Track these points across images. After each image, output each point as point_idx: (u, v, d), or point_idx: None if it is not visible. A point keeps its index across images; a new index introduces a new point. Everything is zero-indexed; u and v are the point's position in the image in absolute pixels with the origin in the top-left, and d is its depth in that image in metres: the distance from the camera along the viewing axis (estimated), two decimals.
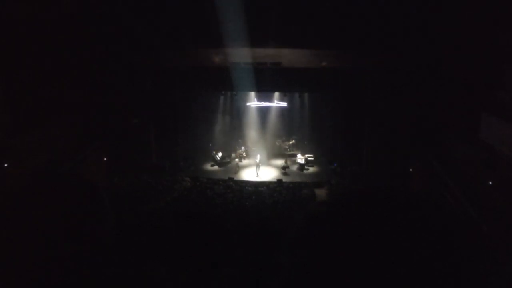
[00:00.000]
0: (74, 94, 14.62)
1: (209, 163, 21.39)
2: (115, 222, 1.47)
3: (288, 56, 16.78)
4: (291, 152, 22.71)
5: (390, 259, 1.08)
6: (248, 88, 20.15)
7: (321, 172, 20.37)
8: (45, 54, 13.02)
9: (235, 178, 18.87)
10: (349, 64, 17.04)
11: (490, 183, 12.29)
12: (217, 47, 15.96)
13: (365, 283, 1.08)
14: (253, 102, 23.70)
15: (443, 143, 15.34)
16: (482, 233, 10.71)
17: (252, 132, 23.91)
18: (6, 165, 12.15)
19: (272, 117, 24.21)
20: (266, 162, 21.35)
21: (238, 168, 20.50)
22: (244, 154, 21.96)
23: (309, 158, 20.97)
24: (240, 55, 16.23)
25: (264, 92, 22.54)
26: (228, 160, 21.60)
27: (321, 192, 16.92)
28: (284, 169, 20.23)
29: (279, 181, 18.23)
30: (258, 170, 19.65)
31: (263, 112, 24.05)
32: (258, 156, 20.19)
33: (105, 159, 17.19)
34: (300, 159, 20.80)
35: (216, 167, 20.98)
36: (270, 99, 23.67)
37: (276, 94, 23.41)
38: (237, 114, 24.22)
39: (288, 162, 20.73)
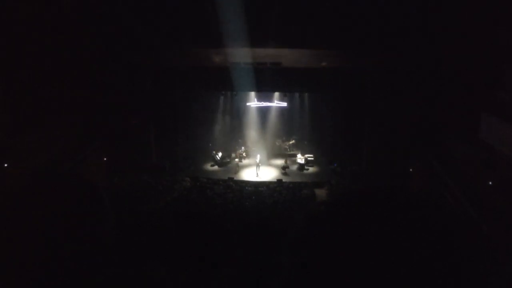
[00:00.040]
0: (74, 94, 14.62)
1: (209, 163, 21.39)
2: (115, 222, 1.47)
3: (288, 56, 16.77)
4: (291, 152, 22.72)
5: (390, 259, 1.08)
6: (248, 88, 20.14)
7: (321, 172, 20.37)
8: (45, 54, 13.01)
9: (235, 178, 18.87)
10: (349, 64, 17.04)
11: (490, 183, 12.30)
12: (217, 47, 15.96)
13: (365, 283, 1.08)
14: (253, 102, 23.70)
15: (443, 143, 15.34)
16: (482, 233, 10.71)
17: (252, 132, 23.91)
18: (6, 165, 12.16)
19: (272, 117, 24.21)
20: (266, 162, 21.35)
21: (238, 168, 20.50)
22: (244, 154, 21.97)
23: (309, 158, 20.97)
24: (240, 55, 16.22)
25: (264, 92, 22.54)
26: (228, 160, 21.60)
27: (321, 192, 16.92)
28: (284, 169, 20.23)
29: (279, 181, 18.24)
30: (258, 170, 19.65)
31: (263, 112, 24.05)
32: (258, 156, 20.19)
33: (105, 159, 17.19)
34: (300, 159, 20.80)
35: (216, 167, 20.98)
36: (270, 99, 23.67)
37: (276, 94, 23.41)
38: (237, 114, 24.23)
39: (288, 162, 20.73)
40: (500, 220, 10.58)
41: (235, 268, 2.25)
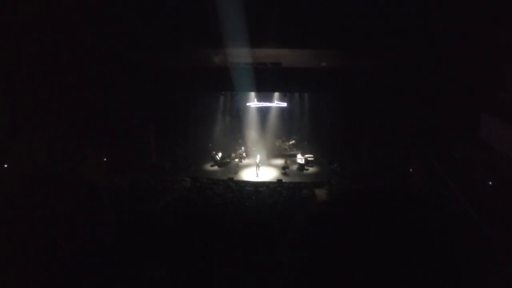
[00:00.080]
0: (74, 94, 14.62)
1: (209, 163, 21.39)
2: (115, 222, 1.47)
3: (288, 56, 16.77)
4: (291, 152, 22.71)
5: (390, 259, 1.08)
6: (248, 88, 20.13)
7: (321, 172, 20.36)
8: (45, 54, 13.02)
9: (235, 178, 18.87)
10: (349, 64, 17.04)
11: (490, 183, 12.30)
12: (217, 47, 15.97)
13: (365, 283, 1.08)
14: (253, 102, 23.70)
15: (443, 143, 15.34)
16: (482, 233, 10.71)
17: (252, 132, 23.89)
18: (6, 165, 12.15)
19: (272, 117, 24.19)
20: (266, 162, 21.34)
21: (238, 168, 20.50)
22: (244, 154, 21.96)
23: (309, 158, 20.96)
24: (240, 55, 16.23)
25: (264, 92, 22.53)
26: (228, 160, 21.59)
27: (321, 192, 16.92)
28: (284, 169, 20.22)
29: (279, 181, 18.23)
30: (258, 170, 19.64)
31: (263, 112, 24.04)
32: (258, 156, 20.18)
33: (105, 159, 17.18)
34: (300, 159, 20.79)
35: (216, 167, 20.97)
36: (270, 99, 23.66)
37: (276, 94, 23.40)
38: (237, 114, 24.21)
39: (288, 162, 20.73)
40: (500, 220, 10.58)
41: (235, 268, 2.25)
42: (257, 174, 19.51)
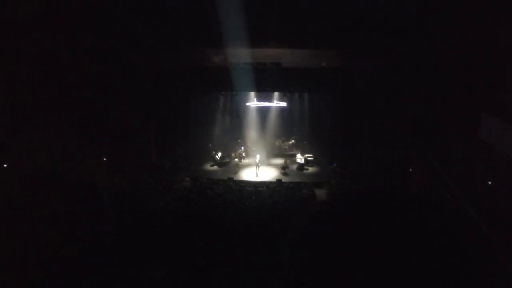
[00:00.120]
0: (74, 94, 14.62)
1: (209, 163, 21.39)
2: (115, 222, 1.47)
3: (288, 56, 16.78)
4: (291, 152, 22.71)
5: (390, 259, 1.08)
6: (248, 88, 20.14)
7: (321, 172, 20.36)
8: (45, 54, 13.02)
9: (234, 178, 18.87)
10: (349, 64, 17.04)
11: (490, 183, 12.30)
12: (217, 47, 15.97)
13: (365, 283, 1.08)
14: (253, 102, 23.71)
15: (443, 143, 15.34)
16: (482, 233, 10.71)
17: (251, 132, 23.90)
18: (5, 165, 12.16)
19: (272, 117, 24.21)
20: (266, 162, 21.33)
21: (237, 168, 20.50)
22: (243, 154, 21.96)
23: (308, 158, 20.96)
24: (240, 55, 16.23)
25: (264, 92, 22.55)
26: (228, 160, 21.58)
27: (321, 192, 16.92)
28: (283, 169, 20.22)
29: (278, 181, 18.23)
30: (258, 170, 19.64)
31: (263, 112, 24.05)
32: (258, 156, 20.18)
33: (104, 159, 17.18)
34: (300, 159, 20.79)
35: (215, 167, 20.97)
36: (269, 99, 23.68)
37: (276, 94, 23.41)
38: (237, 114, 24.22)
39: (288, 162, 20.73)
40: (500, 220, 10.59)
41: (235, 268, 2.25)
42: (256, 174, 19.51)
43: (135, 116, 18.33)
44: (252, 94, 23.34)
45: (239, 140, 23.42)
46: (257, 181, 18.84)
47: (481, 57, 12.11)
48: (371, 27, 14.20)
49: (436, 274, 1.09)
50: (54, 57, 13.33)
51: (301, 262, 1.23)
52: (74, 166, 14.38)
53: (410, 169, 16.88)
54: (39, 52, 12.78)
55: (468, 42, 12.56)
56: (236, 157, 21.69)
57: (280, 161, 21.34)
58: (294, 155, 21.72)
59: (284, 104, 23.62)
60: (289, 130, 24.42)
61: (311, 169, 20.78)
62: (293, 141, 23.65)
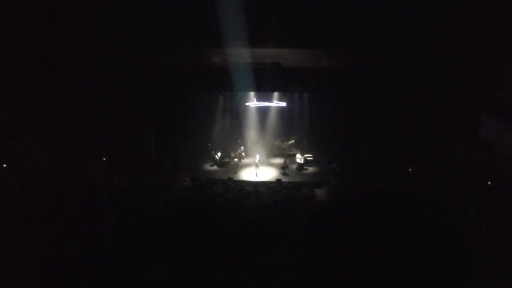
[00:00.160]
0: (74, 94, 14.62)
1: (208, 163, 21.39)
2: (115, 222, 1.47)
3: (287, 56, 16.77)
4: (290, 152, 22.70)
5: (390, 259, 1.08)
6: (248, 88, 20.14)
7: (321, 172, 20.36)
8: (45, 54, 13.02)
9: (234, 178, 18.87)
10: (349, 64, 17.04)
11: (489, 183, 12.31)
12: (217, 47, 15.97)
13: (365, 283, 1.08)
14: (253, 102, 23.70)
15: (443, 143, 15.34)
16: (482, 233, 10.71)
17: (251, 132, 23.89)
18: (5, 165, 12.16)
19: (272, 117, 24.19)
20: (265, 162, 21.33)
21: (237, 168, 20.50)
22: (243, 154, 21.95)
23: (308, 158, 20.95)
24: (240, 55, 16.23)
25: (263, 92, 22.54)
26: (228, 160, 21.58)
27: (320, 192, 16.93)
28: (283, 169, 20.22)
29: (278, 181, 18.23)
30: (257, 170, 19.64)
31: (263, 112, 24.04)
32: (257, 156, 20.17)
33: (104, 159, 17.18)
34: (299, 159, 20.79)
35: (215, 167, 20.97)
36: (269, 99, 23.66)
37: (276, 93, 23.39)
38: (236, 114, 24.20)
39: (287, 162, 20.73)
40: (500, 220, 10.59)
41: (235, 268, 2.25)
42: (256, 174, 19.51)
43: (135, 116, 18.32)
44: (252, 93, 23.33)
45: (238, 140, 23.41)
46: (256, 181, 18.84)
47: (481, 57, 12.11)
48: (371, 27, 14.20)
49: (436, 274, 1.09)
50: (54, 57, 13.32)
51: (300, 262, 1.23)
52: (74, 166, 14.38)
53: (410, 169, 16.87)
54: (39, 52, 12.78)
55: (468, 42, 12.55)
56: (235, 157, 21.68)
57: (279, 161, 21.34)
58: (294, 155, 21.71)
59: (283, 104, 23.61)
60: (289, 130, 24.40)
61: (310, 169, 20.78)
62: (292, 141, 23.64)
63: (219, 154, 21.32)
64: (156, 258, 1.76)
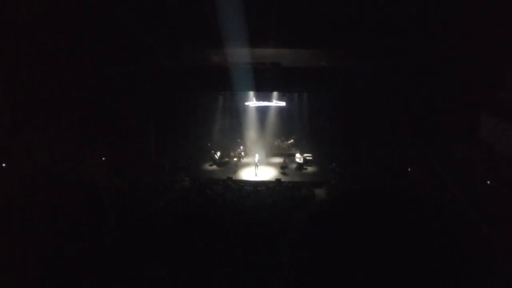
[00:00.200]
0: (74, 94, 14.62)
1: (208, 162, 21.38)
2: (115, 222, 1.47)
3: (287, 56, 16.78)
4: (290, 152, 22.69)
5: (390, 259, 1.08)
6: (248, 88, 20.15)
7: (320, 171, 20.36)
8: (45, 54, 13.02)
9: (234, 178, 18.86)
10: (349, 64, 17.04)
11: (488, 182, 12.31)
12: (217, 47, 15.97)
13: (365, 283, 1.08)
14: (252, 102, 23.69)
15: (443, 143, 15.34)
16: (482, 233, 10.71)
17: (251, 131, 23.88)
18: (4, 164, 12.16)
19: (271, 117, 24.18)
20: (265, 161, 21.33)
21: (237, 168, 20.50)
22: (243, 154, 21.94)
23: (308, 158, 20.94)
24: (240, 55, 16.23)
25: (263, 91, 22.54)
26: (227, 159, 21.57)
27: (320, 192, 16.93)
28: (283, 168, 20.22)
29: (278, 181, 18.23)
30: (257, 169, 19.63)
31: (262, 112, 24.03)
32: (257, 155, 20.17)
33: (103, 158, 17.18)
34: (299, 158, 20.78)
35: (215, 167, 20.97)
36: (269, 99, 23.65)
37: (275, 93, 23.38)
38: (236, 114, 24.19)
39: (287, 161, 20.73)
40: (500, 220, 10.59)
41: (235, 268, 2.25)
42: (256, 173, 19.51)
43: (135, 116, 18.32)
44: (251, 93, 23.32)
45: (238, 140, 23.40)
46: (256, 180, 18.83)
47: (481, 57, 12.10)
48: (371, 27, 14.20)
49: (436, 274, 1.09)
50: (54, 57, 13.32)
51: (300, 262, 1.23)
52: (74, 166, 14.38)
53: (410, 169, 16.87)
54: (39, 52, 12.77)
55: (468, 42, 12.55)
56: (235, 157, 21.67)
57: (279, 160, 21.34)
58: (293, 155, 21.70)
59: (283, 103, 23.60)
60: (288, 130, 24.38)
61: (310, 169, 20.77)
62: (292, 140, 23.63)
63: (218, 153, 21.32)
64: (156, 258, 1.76)
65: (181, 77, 18.63)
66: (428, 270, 1.07)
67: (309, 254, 1.19)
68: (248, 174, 19.85)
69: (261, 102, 23.64)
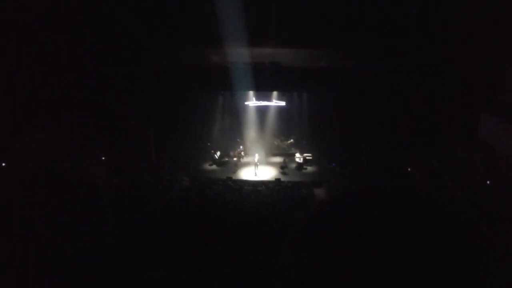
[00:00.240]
0: (74, 94, 14.61)
1: (207, 162, 21.39)
2: (115, 222, 1.47)
3: (287, 55, 16.78)
4: (290, 152, 22.71)
5: (390, 259, 1.08)
6: (247, 88, 20.16)
7: (320, 171, 20.36)
8: (45, 54, 13.01)
9: (233, 178, 18.87)
10: (349, 64, 17.04)
11: (488, 182, 12.31)
12: (216, 47, 15.97)
13: (365, 283, 1.08)
14: (252, 102, 23.70)
15: (443, 143, 15.34)
16: (482, 233, 10.71)
17: (250, 131, 23.90)
18: (4, 164, 12.16)
19: (271, 116, 24.20)
20: (265, 161, 21.34)
21: (236, 168, 20.50)
22: (242, 154, 21.95)
23: (307, 158, 20.95)
24: (239, 55, 16.24)
25: (262, 91, 22.56)
26: (227, 159, 21.58)
27: (320, 192, 16.93)
28: (282, 168, 20.22)
29: (277, 181, 18.23)
30: (257, 169, 19.64)
31: (262, 112, 24.04)
32: (257, 155, 20.17)
33: (103, 158, 17.18)
34: (299, 158, 20.79)
35: (214, 167, 20.97)
36: (268, 98, 23.66)
37: (275, 93, 23.39)
38: (236, 114, 24.20)
39: (287, 161, 20.74)
40: (500, 220, 10.59)
41: (235, 268, 2.25)
42: (255, 173, 19.51)
43: (135, 116, 18.32)
44: (251, 93, 23.34)
45: (238, 140, 23.41)
46: (256, 180, 18.84)
47: (481, 57, 12.10)
48: (371, 27, 14.19)
49: (436, 274, 1.09)
50: (54, 57, 13.32)
51: (300, 262, 1.23)
52: (74, 166, 14.38)
53: (410, 169, 16.87)
54: (39, 52, 12.77)
55: (468, 42, 12.55)
56: (235, 157, 21.68)
57: (279, 160, 21.35)
58: (293, 155, 21.71)
59: (283, 103, 23.62)
60: (288, 130, 24.40)
61: (310, 169, 20.78)
62: (292, 140, 23.65)
63: (218, 153, 21.32)
64: (156, 258, 1.76)
65: (181, 77, 18.63)
66: (428, 270, 1.07)
67: (308, 254, 1.19)
68: (247, 174, 19.85)
69: (261, 101, 23.65)
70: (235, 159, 21.49)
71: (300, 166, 20.62)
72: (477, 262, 1.22)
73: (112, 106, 16.92)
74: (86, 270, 1.30)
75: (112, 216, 1.45)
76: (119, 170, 17.22)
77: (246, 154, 22.11)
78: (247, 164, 21.18)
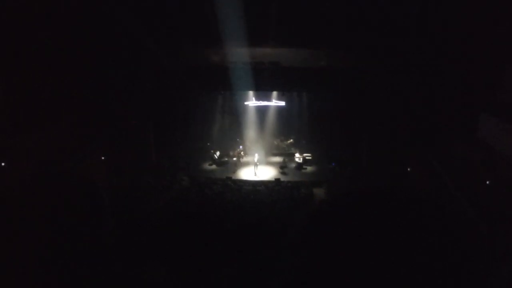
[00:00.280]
0: (74, 94, 14.61)
1: (207, 162, 21.40)
2: (115, 222, 1.47)
3: (286, 55, 16.78)
4: (289, 152, 22.71)
5: (390, 259, 1.08)
6: (247, 88, 20.16)
7: (320, 171, 20.37)
8: (45, 54, 13.01)
9: (233, 178, 18.87)
10: (349, 64, 17.04)
11: (488, 182, 12.30)
12: (216, 47, 15.97)
13: (365, 283, 1.08)
14: (252, 101, 23.70)
15: (443, 143, 15.34)
16: (481, 233, 10.71)
17: (250, 131, 23.90)
18: (3, 164, 12.15)
19: (271, 116, 24.20)
20: (264, 161, 21.34)
21: (236, 167, 20.50)
22: (242, 153, 21.96)
23: (307, 157, 20.95)
24: (239, 54, 16.24)
25: (262, 91, 22.56)
26: (226, 159, 21.59)
27: (319, 192, 16.93)
28: (282, 168, 20.22)
29: (277, 180, 18.24)
30: (256, 169, 19.64)
31: (262, 111, 24.05)
32: (256, 155, 20.18)
33: (103, 158, 17.18)
34: (298, 158, 20.79)
35: (214, 166, 20.98)
36: (268, 98, 23.66)
37: (275, 93, 23.39)
38: (235, 114, 24.21)
39: (286, 161, 20.74)
40: (500, 220, 10.59)
41: (234, 268, 2.25)
42: (255, 173, 19.51)
43: (135, 116, 18.33)
44: (251, 93, 23.34)
45: (237, 139, 23.42)
46: (255, 180, 18.84)
47: (481, 57, 12.10)
48: (371, 27, 14.19)
49: (436, 274, 1.09)
50: (54, 57, 13.31)
51: (299, 262, 1.23)
52: (74, 166, 14.38)
53: (409, 169, 16.87)
54: (39, 52, 12.77)
55: (468, 42, 12.55)
56: (234, 156, 21.69)
57: (278, 160, 21.35)
58: (293, 154, 21.72)
59: (282, 103, 23.62)
60: (288, 129, 24.41)
61: (309, 169, 20.79)
62: (291, 140, 23.66)
63: (218, 153, 21.33)
64: (156, 258, 1.76)
65: (181, 77, 18.63)
66: (428, 270, 1.07)
67: (308, 254, 1.19)
68: (247, 173, 19.86)
69: (260, 101, 23.66)
70: (234, 159, 21.50)
71: (299, 166, 20.62)
72: (477, 262, 1.22)
73: (112, 106, 16.92)
74: (86, 270, 1.30)
75: (112, 216, 1.45)
76: (119, 170, 17.22)
77: (245, 154, 22.11)
78: (246, 164, 21.19)
